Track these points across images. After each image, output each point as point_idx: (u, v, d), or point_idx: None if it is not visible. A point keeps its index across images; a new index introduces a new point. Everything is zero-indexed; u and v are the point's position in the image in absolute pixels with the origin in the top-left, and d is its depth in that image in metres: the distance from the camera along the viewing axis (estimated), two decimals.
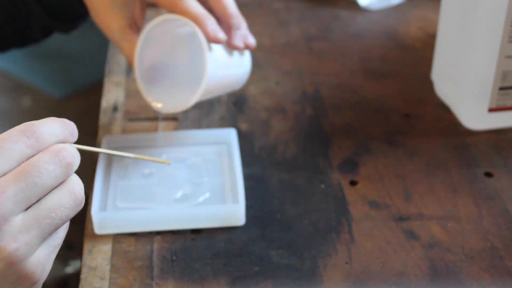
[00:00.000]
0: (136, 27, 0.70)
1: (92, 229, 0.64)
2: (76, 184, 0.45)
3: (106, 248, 0.63)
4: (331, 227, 0.65)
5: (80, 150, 0.47)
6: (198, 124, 0.78)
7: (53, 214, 0.44)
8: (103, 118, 0.79)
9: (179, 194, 0.67)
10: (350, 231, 0.64)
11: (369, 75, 0.87)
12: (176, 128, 0.77)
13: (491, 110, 0.75)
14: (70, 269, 1.23)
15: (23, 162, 0.43)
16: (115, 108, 0.81)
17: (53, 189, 0.44)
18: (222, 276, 0.60)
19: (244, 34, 0.70)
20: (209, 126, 0.77)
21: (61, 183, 0.44)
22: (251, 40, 0.71)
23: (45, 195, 0.43)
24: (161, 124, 0.78)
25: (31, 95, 2.02)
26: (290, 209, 0.67)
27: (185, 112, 0.79)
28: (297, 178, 0.70)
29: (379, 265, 0.61)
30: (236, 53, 0.70)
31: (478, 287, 0.59)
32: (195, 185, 0.68)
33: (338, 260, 0.61)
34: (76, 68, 2.08)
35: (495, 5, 0.69)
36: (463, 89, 0.76)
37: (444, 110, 0.80)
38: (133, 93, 0.83)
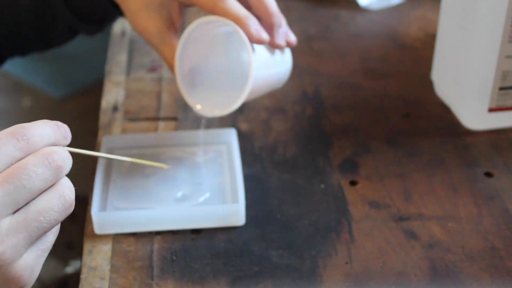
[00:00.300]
0: (174, 29, 0.68)
1: (92, 229, 0.64)
2: (66, 187, 0.45)
3: (106, 248, 0.63)
4: (331, 227, 0.65)
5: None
6: (198, 124, 0.78)
7: (42, 218, 0.43)
8: (103, 118, 0.79)
9: (179, 194, 0.67)
10: (350, 231, 0.64)
11: (369, 75, 0.87)
12: (176, 128, 0.77)
13: (491, 110, 0.75)
14: (70, 269, 1.23)
15: (12, 164, 0.42)
16: (115, 108, 0.81)
17: (42, 192, 0.43)
18: (222, 276, 0.60)
19: (285, 32, 0.68)
20: (209, 126, 0.77)
21: (50, 186, 0.44)
22: (292, 37, 0.69)
23: (33, 198, 0.43)
24: (161, 124, 0.78)
25: (31, 95, 2.02)
26: (290, 209, 0.67)
27: (185, 112, 0.79)
28: (297, 178, 0.70)
29: (379, 265, 0.61)
30: (277, 52, 0.68)
31: (478, 287, 0.59)
32: (195, 185, 0.68)
33: (338, 260, 0.61)
34: (76, 68, 2.08)
35: (495, 5, 0.69)
36: (463, 89, 0.76)
37: (444, 110, 0.80)
38: (133, 93, 0.83)
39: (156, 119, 0.79)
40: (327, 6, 1.02)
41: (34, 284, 0.45)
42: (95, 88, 0.89)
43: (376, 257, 0.61)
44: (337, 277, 0.60)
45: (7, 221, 0.42)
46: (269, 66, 0.67)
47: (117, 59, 0.90)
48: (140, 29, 0.68)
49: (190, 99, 0.66)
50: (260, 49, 0.65)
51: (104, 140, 0.72)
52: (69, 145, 0.47)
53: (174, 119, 0.79)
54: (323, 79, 0.86)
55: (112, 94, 0.83)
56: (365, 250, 0.62)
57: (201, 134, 0.72)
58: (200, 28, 0.65)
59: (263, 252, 0.62)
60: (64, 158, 0.44)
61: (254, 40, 0.63)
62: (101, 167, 0.68)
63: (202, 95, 0.67)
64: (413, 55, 0.91)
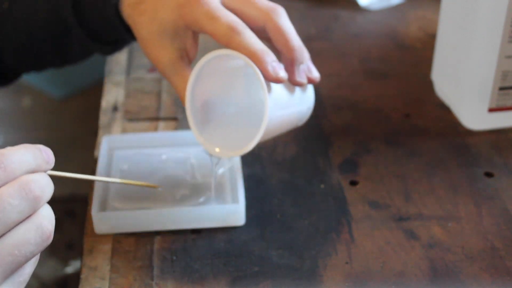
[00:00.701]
0: (188, 59, 0.64)
1: (92, 229, 0.64)
2: (44, 218, 0.43)
3: (106, 248, 0.63)
4: (331, 227, 0.65)
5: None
6: None
7: (16, 251, 0.41)
8: (103, 118, 0.79)
9: (179, 194, 0.67)
10: (350, 231, 0.64)
11: (369, 75, 0.87)
12: (176, 128, 0.77)
13: (491, 110, 0.75)
14: (70, 269, 1.23)
15: None
16: (115, 108, 0.81)
17: (18, 224, 0.42)
18: (222, 276, 0.60)
19: (307, 68, 0.63)
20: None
21: (27, 217, 0.42)
22: (315, 74, 0.64)
23: (8, 231, 0.41)
24: (161, 124, 0.78)
25: (31, 95, 2.02)
26: (290, 209, 0.67)
27: (185, 112, 0.79)
28: (297, 178, 0.70)
29: (379, 265, 0.61)
30: (298, 89, 0.63)
31: (478, 287, 0.59)
32: (195, 185, 0.68)
33: (338, 260, 0.61)
34: (76, 68, 2.07)
35: (495, 5, 0.69)
36: (463, 89, 0.76)
37: (444, 110, 0.80)
38: (133, 93, 0.83)
39: (156, 119, 0.79)
40: (327, 6, 1.02)
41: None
42: (95, 88, 0.89)
43: (376, 257, 0.61)
44: (337, 277, 0.59)
45: None
46: (287, 105, 0.62)
47: (117, 59, 0.90)
48: (152, 57, 0.64)
49: (200, 136, 0.62)
50: (278, 88, 0.60)
51: (104, 140, 0.72)
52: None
53: (174, 119, 0.79)
54: (323, 79, 0.86)
55: (112, 94, 0.83)
56: (365, 250, 0.62)
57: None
58: (214, 61, 0.60)
59: (263, 252, 0.62)
60: (43, 187, 0.42)
61: (270, 78, 0.58)
62: (101, 167, 0.68)
63: (214, 133, 0.63)
64: (413, 55, 0.91)
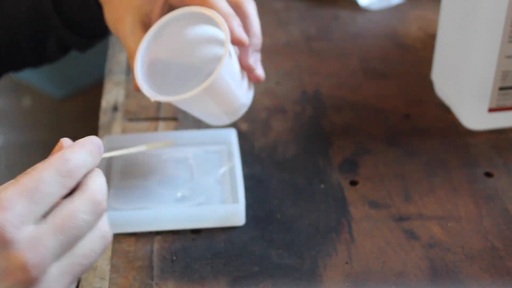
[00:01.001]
0: (149, 26, 0.66)
1: None
2: (106, 226, 0.45)
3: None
4: (331, 227, 0.65)
5: None
6: (198, 124, 0.78)
7: (85, 261, 0.43)
8: (103, 118, 0.79)
9: (179, 194, 0.67)
10: (350, 231, 0.64)
11: (369, 75, 0.87)
12: (176, 128, 0.77)
13: (491, 110, 0.75)
14: None
15: (57, 202, 0.42)
16: (115, 108, 0.81)
17: (85, 234, 0.43)
18: (222, 276, 0.60)
19: (258, 60, 0.66)
20: (209, 126, 0.77)
21: (92, 228, 0.44)
22: (261, 71, 0.67)
23: (78, 241, 0.43)
24: (161, 124, 0.78)
25: (31, 95, 2.02)
26: (290, 209, 0.67)
27: (185, 112, 0.79)
28: (297, 178, 0.70)
29: (379, 265, 0.61)
30: (245, 80, 0.66)
31: (478, 287, 0.59)
32: (195, 185, 0.68)
33: (338, 260, 0.61)
34: (76, 68, 2.08)
35: (495, 5, 0.69)
36: (463, 89, 0.76)
37: (444, 110, 0.80)
38: (133, 93, 0.83)
39: (156, 119, 0.79)
40: (327, 6, 1.02)
41: None
42: (95, 88, 0.89)
43: (376, 257, 0.61)
44: (337, 277, 0.59)
45: (56, 269, 0.42)
46: (234, 82, 0.64)
47: (117, 59, 0.90)
48: (116, 18, 0.66)
49: (140, 82, 0.62)
50: (233, 61, 0.63)
51: (104, 140, 0.72)
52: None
53: (174, 119, 0.79)
54: (323, 79, 0.86)
55: (112, 94, 0.83)
56: (365, 250, 0.62)
57: (201, 134, 0.71)
58: (175, 24, 0.63)
59: (263, 252, 0.62)
60: (105, 195, 0.44)
61: (234, 37, 0.61)
62: (101, 167, 0.68)
63: (160, 85, 0.64)
64: (413, 55, 0.91)
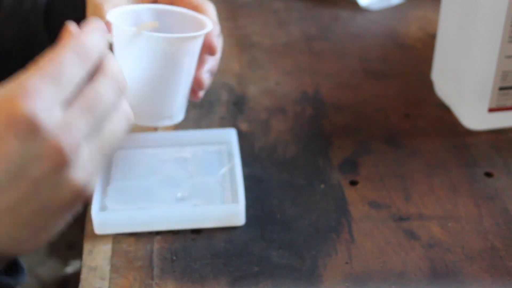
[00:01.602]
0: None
1: (92, 229, 0.64)
2: (127, 106, 0.46)
3: (106, 248, 0.63)
4: (331, 227, 0.65)
5: None
6: (198, 124, 0.78)
7: (114, 140, 0.45)
8: None
9: (179, 194, 0.67)
10: (350, 231, 0.64)
11: (369, 75, 0.87)
12: (176, 128, 0.77)
13: (491, 110, 0.75)
14: (70, 269, 1.23)
15: (79, 85, 0.43)
16: None
17: (110, 114, 0.45)
18: (222, 276, 0.60)
19: (209, 83, 0.69)
20: (209, 126, 0.77)
21: (116, 108, 0.45)
22: (202, 94, 0.69)
23: (104, 122, 0.44)
24: None
25: None
26: (290, 209, 0.67)
27: (185, 112, 0.79)
28: (297, 178, 0.70)
29: (379, 265, 0.61)
30: (186, 95, 0.67)
31: (478, 287, 0.59)
32: (195, 185, 0.68)
33: (338, 260, 0.61)
34: None
35: (495, 5, 0.69)
36: (463, 89, 0.76)
37: (444, 110, 0.80)
38: None
39: None
40: (327, 6, 1.02)
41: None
42: None
43: (376, 257, 0.61)
44: (337, 277, 0.59)
45: (87, 149, 0.43)
46: (187, 70, 0.64)
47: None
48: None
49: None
50: (195, 59, 0.64)
51: None
52: None
53: None
54: (323, 79, 0.86)
55: None
56: (365, 250, 0.62)
57: (201, 134, 0.71)
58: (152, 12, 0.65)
59: (263, 252, 0.62)
60: (123, 75, 0.46)
61: (211, 40, 0.65)
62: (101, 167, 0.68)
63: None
64: (413, 55, 0.91)
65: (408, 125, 0.78)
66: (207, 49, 0.65)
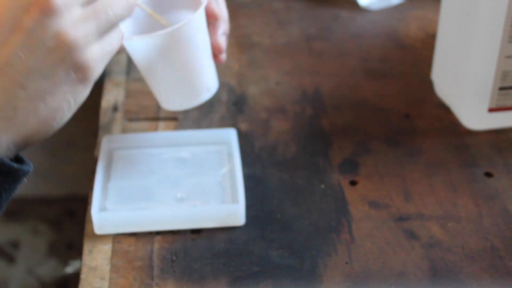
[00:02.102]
0: None
1: (92, 229, 0.64)
2: None
3: (106, 248, 0.63)
4: (331, 227, 0.65)
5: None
6: (198, 124, 0.78)
7: (109, 10, 0.46)
8: (103, 118, 0.79)
9: (179, 194, 0.67)
10: (350, 231, 0.64)
11: (369, 75, 0.87)
12: (176, 128, 0.77)
13: (491, 110, 0.75)
14: (70, 269, 1.23)
15: None
16: (115, 108, 0.81)
17: None
18: (222, 276, 0.60)
19: (226, 43, 0.69)
20: (209, 126, 0.77)
21: None
22: (225, 55, 0.69)
23: None
24: (161, 124, 0.78)
25: None
26: (290, 209, 0.67)
27: (185, 112, 0.79)
28: (297, 178, 0.70)
29: (379, 265, 0.61)
30: (213, 63, 0.67)
31: (478, 287, 0.59)
32: (195, 185, 0.68)
33: (338, 260, 0.61)
34: None
35: (495, 5, 0.69)
36: (463, 89, 0.76)
37: (444, 110, 0.80)
38: (133, 93, 0.83)
39: (156, 119, 0.79)
40: (327, 6, 1.02)
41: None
42: (95, 88, 0.89)
43: (376, 257, 0.61)
44: (337, 277, 0.60)
45: (79, 10, 0.45)
46: (203, 47, 0.65)
47: (117, 59, 0.90)
48: None
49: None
50: (205, 29, 0.65)
51: (104, 140, 0.72)
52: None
53: (174, 119, 0.79)
54: (323, 79, 0.86)
55: (112, 94, 0.83)
56: (365, 250, 0.62)
57: (201, 134, 0.71)
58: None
59: (263, 252, 0.62)
60: None
61: (210, 8, 0.66)
62: (101, 167, 0.68)
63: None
64: (413, 55, 0.91)
65: (408, 125, 0.78)
66: (211, 17, 0.67)
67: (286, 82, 0.85)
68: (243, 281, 0.59)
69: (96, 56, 0.47)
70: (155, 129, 0.77)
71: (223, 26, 0.68)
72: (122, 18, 0.49)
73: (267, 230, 0.64)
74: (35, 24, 0.43)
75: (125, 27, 0.63)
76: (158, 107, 0.81)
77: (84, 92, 0.49)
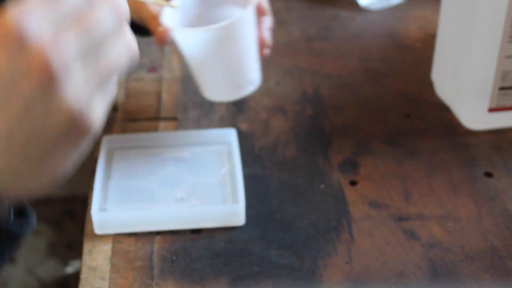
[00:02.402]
0: None
1: (92, 229, 0.64)
2: (130, 34, 0.45)
3: (106, 248, 0.63)
4: (331, 227, 0.65)
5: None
6: (198, 124, 0.78)
7: (112, 63, 0.43)
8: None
9: (179, 194, 0.67)
10: (350, 231, 0.64)
11: (369, 75, 0.87)
12: (176, 128, 0.77)
13: (491, 110, 0.75)
14: (70, 269, 1.23)
15: (77, 9, 0.42)
16: (115, 108, 0.81)
17: (109, 41, 0.43)
18: (222, 276, 0.60)
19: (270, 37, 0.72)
20: (209, 126, 0.77)
21: (117, 34, 0.44)
22: (268, 50, 0.71)
23: (102, 47, 0.43)
24: (161, 124, 0.78)
25: None
26: (290, 209, 0.67)
27: (185, 112, 0.79)
28: (297, 178, 0.70)
29: (379, 265, 0.61)
30: (258, 57, 0.70)
31: (478, 287, 0.59)
32: (195, 185, 0.68)
33: (338, 260, 0.61)
34: None
35: (495, 5, 0.69)
36: (463, 89, 0.76)
37: (444, 110, 0.80)
38: (133, 93, 0.83)
39: (156, 119, 0.79)
40: (327, 6, 1.02)
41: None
42: None
43: (376, 257, 0.61)
44: (337, 277, 0.60)
45: (80, 70, 0.41)
46: (251, 42, 0.67)
47: None
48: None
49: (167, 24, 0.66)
50: (254, 24, 0.67)
51: (104, 140, 0.72)
52: None
53: (174, 119, 0.79)
54: (323, 79, 0.86)
55: None
56: (365, 250, 0.62)
57: (201, 134, 0.72)
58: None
59: (263, 252, 0.62)
60: (126, 6, 0.45)
61: (260, 4, 0.68)
62: (101, 167, 0.68)
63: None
64: (413, 55, 0.91)
65: (408, 125, 0.78)
66: (260, 12, 0.69)
67: (286, 82, 0.85)
68: (243, 281, 0.59)
69: (98, 112, 0.44)
70: (155, 129, 0.77)
71: (269, 20, 0.71)
72: (124, 68, 0.46)
73: (267, 230, 0.64)
74: (35, 93, 0.40)
75: (171, 18, 0.66)
76: (158, 107, 0.81)
77: (86, 143, 0.46)
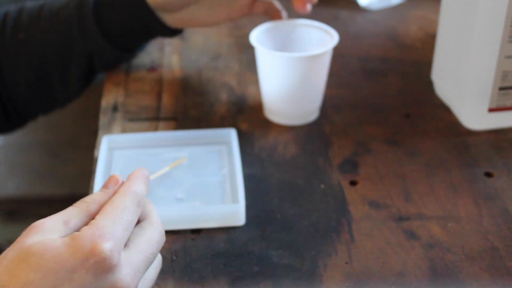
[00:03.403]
0: None
1: None
2: (158, 221, 0.53)
3: None
4: (331, 227, 0.65)
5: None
6: (198, 124, 0.78)
7: (150, 250, 0.50)
8: (103, 118, 0.79)
9: (179, 194, 0.67)
10: (350, 231, 0.64)
11: (369, 75, 0.87)
12: (176, 128, 0.77)
13: (491, 110, 0.75)
14: None
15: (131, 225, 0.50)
16: (115, 108, 0.81)
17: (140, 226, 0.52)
18: (222, 276, 0.60)
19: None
20: (209, 126, 0.77)
21: (148, 222, 0.52)
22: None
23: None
24: (161, 124, 0.78)
25: None
26: (290, 209, 0.67)
27: (185, 112, 0.79)
28: (297, 178, 0.70)
29: (379, 265, 0.61)
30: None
31: (478, 287, 0.59)
32: (195, 185, 0.68)
33: (338, 260, 0.61)
34: None
35: (495, 5, 0.69)
36: (463, 89, 0.76)
37: (444, 110, 0.80)
38: (133, 93, 0.83)
39: (156, 119, 0.79)
40: (327, 6, 1.02)
41: None
42: (95, 88, 0.89)
43: (376, 257, 0.61)
44: (337, 277, 0.59)
45: (132, 254, 0.49)
46: (324, 77, 0.77)
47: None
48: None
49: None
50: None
51: (104, 140, 0.72)
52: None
53: (174, 119, 0.79)
54: None
55: (112, 94, 0.83)
56: (365, 250, 0.62)
57: (201, 134, 0.72)
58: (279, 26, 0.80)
59: (263, 252, 0.62)
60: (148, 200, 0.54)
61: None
62: (101, 167, 0.68)
63: None
64: (413, 55, 0.91)
65: (408, 125, 0.78)
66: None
67: None
68: (243, 281, 0.59)
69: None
70: (155, 129, 0.77)
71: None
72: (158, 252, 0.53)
73: (267, 230, 0.64)
74: (92, 278, 0.45)
75: (262, 40, 0.77)
76: (158, 107, 0.81)
77: None
